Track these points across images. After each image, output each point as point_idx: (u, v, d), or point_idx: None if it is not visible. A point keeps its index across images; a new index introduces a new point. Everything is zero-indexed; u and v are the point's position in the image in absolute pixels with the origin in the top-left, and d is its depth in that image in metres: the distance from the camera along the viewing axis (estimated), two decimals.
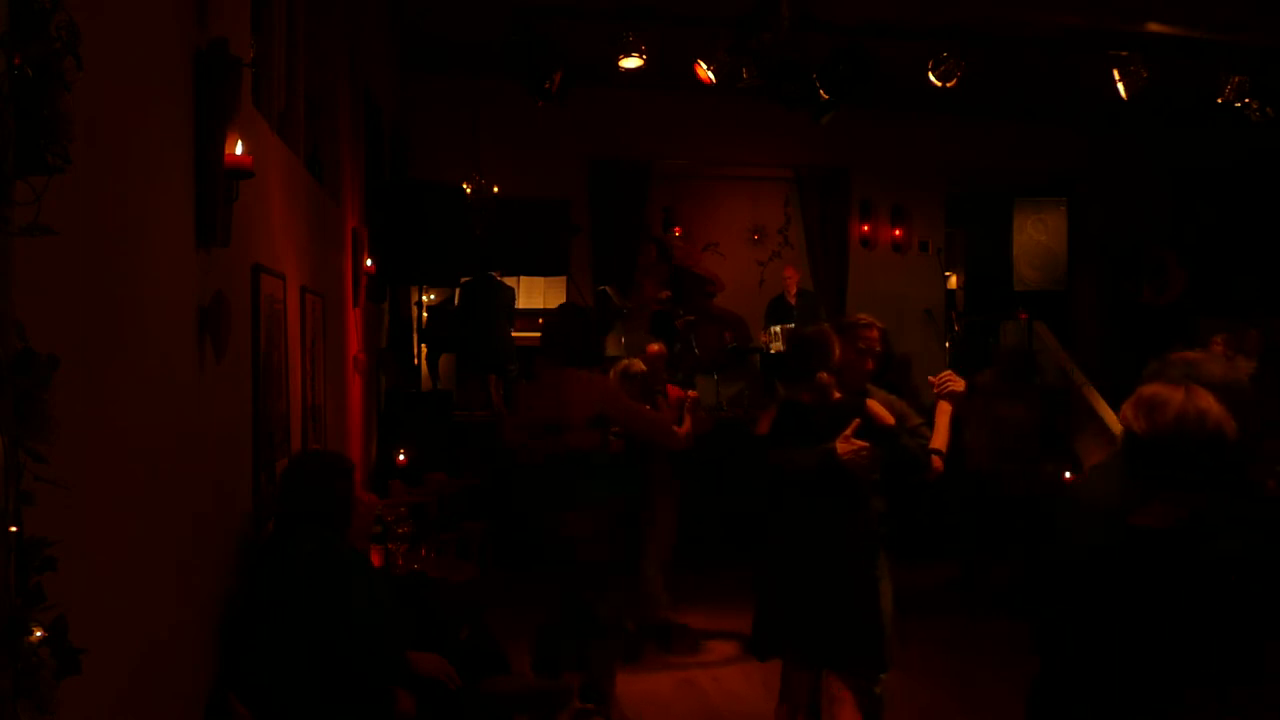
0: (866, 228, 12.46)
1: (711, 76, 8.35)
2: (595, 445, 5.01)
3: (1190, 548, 2.43)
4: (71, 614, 1.53)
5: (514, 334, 9.87)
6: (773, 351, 10.43)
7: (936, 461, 4.04)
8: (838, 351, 4.10)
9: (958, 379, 4.14)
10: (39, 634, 1.46)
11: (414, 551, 4.95)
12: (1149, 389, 2.56)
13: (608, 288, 10.52)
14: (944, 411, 4.10)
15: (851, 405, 4.03)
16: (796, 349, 4.21)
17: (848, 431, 3.89)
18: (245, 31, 3.65)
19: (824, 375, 4.04)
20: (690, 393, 6.31)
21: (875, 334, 4.26)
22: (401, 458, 7.52)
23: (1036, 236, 14.08)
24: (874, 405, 4.07)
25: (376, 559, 4.45)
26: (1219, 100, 8.81)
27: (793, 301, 11.20)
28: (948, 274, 14.05)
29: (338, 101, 6.01)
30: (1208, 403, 2.47)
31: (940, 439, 4.07)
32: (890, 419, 4.06)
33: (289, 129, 4.78)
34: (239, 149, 2.98)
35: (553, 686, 4.43)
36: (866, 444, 3.89)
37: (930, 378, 4.19)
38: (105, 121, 2.07)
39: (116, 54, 2.17)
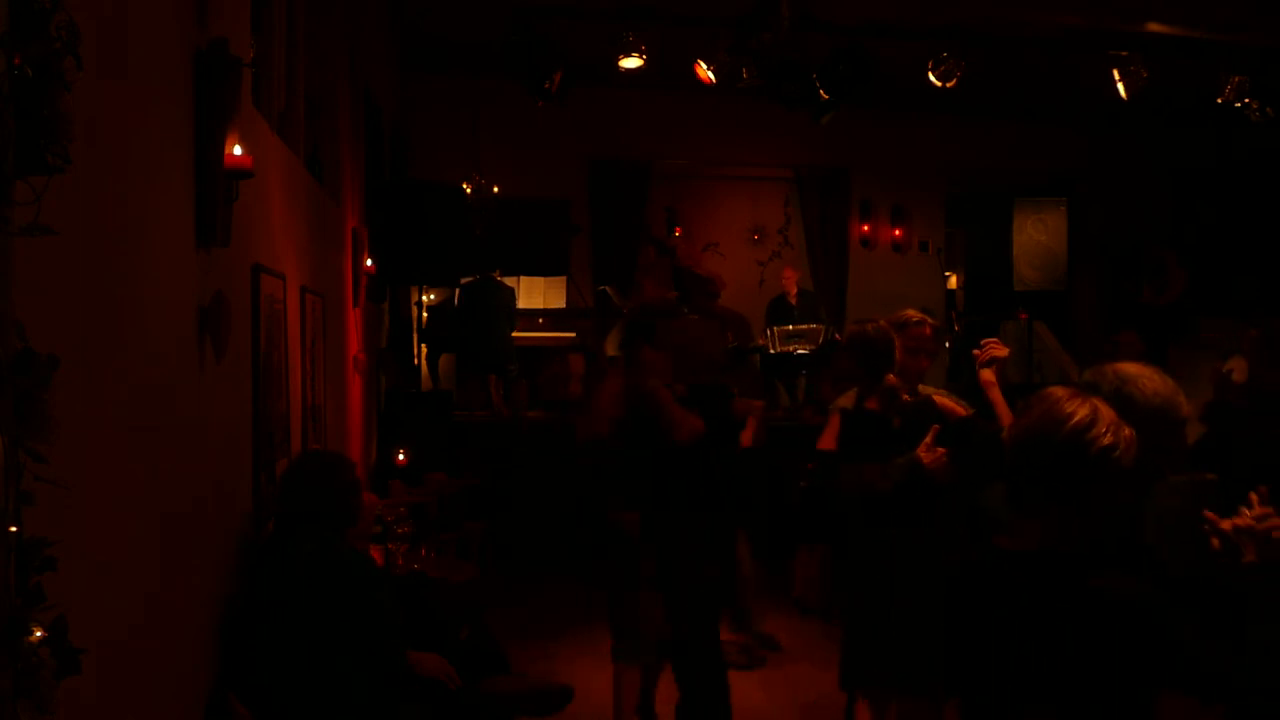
0: (866, 228, 12.46)
1: (711, 76, 8.35)
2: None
3: (1050, 574, 2.08)
4: (71, 614, 1.53)
5: (514, 334, 9.87)
6: (772, 352, 10.43)
7: None
8: (899, 352, 3.86)
9: (1001, 345, 3.73)
10: (39, 634, 1.46)
11: (414, 551, 4.95)
12: (1041, 391, 2.23)
13: (608, 288, 10.53)
14: (992, 385, 3.66)
15: (923, 407, 3.78)
16: (859, 352, 3.89)
17: (928, 439, 3.65)
18: (245, 31, 3.65)
19: (891, 378, 3.78)
20: (756, 403, 5.90)
21: (929, 331, 4.07)
22: (401, 458, 7.51)
23: (1036, 236, 14.08)
24: (944, 400, 3.83)
25: (376, 559, 4.45)
26: (1219, 100, 8.81)
27: (793, 302, 11.20)
28: (948, 274, 14.05)
29: (338, 101, 6.01)
30: (1080, 410, 2.08)
31: (1006, 417, 3.64)
32: (964, 410, 3.80)
33: (289, 129, 4.78)
34: (239, 149, 2.98)
35: (553, 686, 4.43)
36: (946, 449, 3.65)
37: (974, 350, 3.80)
38: (105, 121, 2.07)
39: (116, 54, 2.17)
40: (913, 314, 4.09)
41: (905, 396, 3.80)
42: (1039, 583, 2.08)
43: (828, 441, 3.93)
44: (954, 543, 3.54)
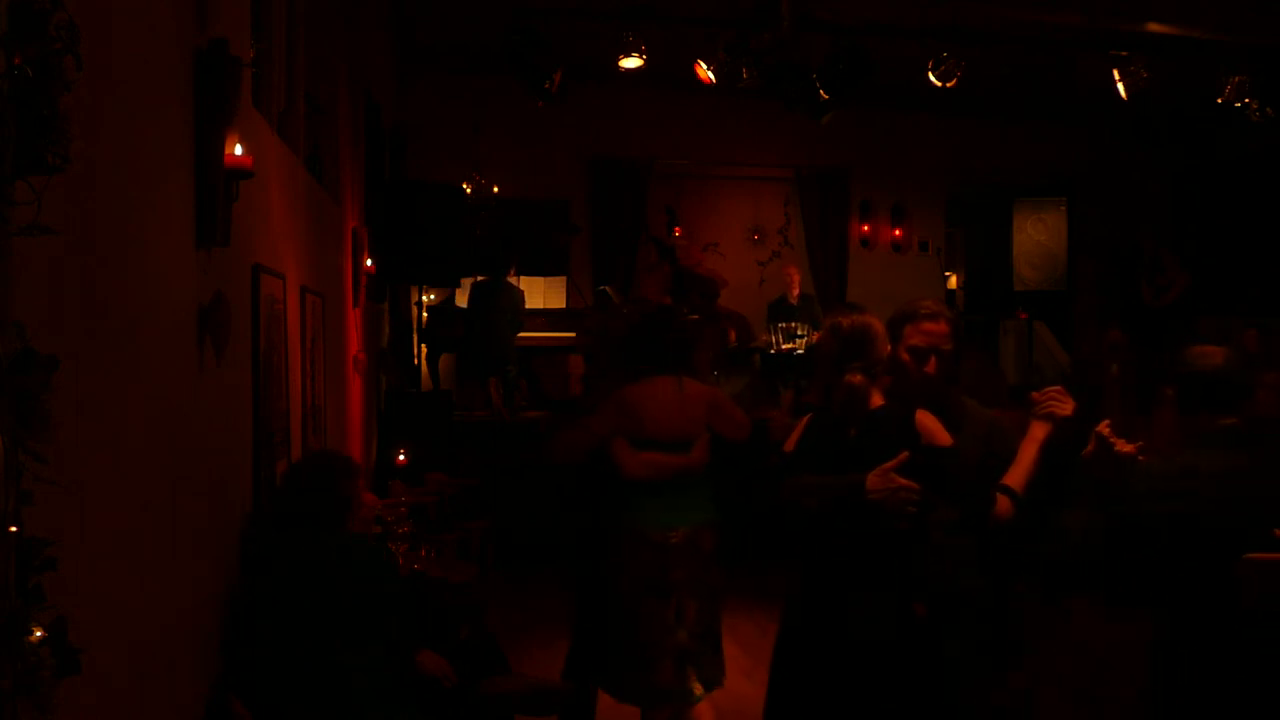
0: (866, 228, 12.46)
1: (711, 76, 8.35)
2: (704, 461, 4.39)
3: None
4: (71, 614, 1.53)
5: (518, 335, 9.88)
6: (772, 353, 10.42)
7: (1003, 502, 3.04)
8: (886, 348, 3.16)
9: (1065, 399, 3.12)
10: (39, 634, 1.46)
11: (414, 551, 4.95)
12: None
13: (608, 288, 10.53)
14: (1033, 440, 3.10)
15: (892, 416, 3.06)
16: (829, 345, 3.19)
17: (889, 465, 2.92)
18: (245, 32, 3.65)
19: (855, 376, 3.04)
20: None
21: (943, 326, 3.21)
22: (401, 458, 7.51)
23: (1036, 236, 14.10)
24: (925, 418, 3.04)
25: None
26: (1219, 100, 8.81)
27: (794, 302, 11.16)
28: (948, 274, 14.07)
29: (338, 101, 6.01)
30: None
31: (1018, 475, 3.06)
32: (948, 439, 3.02)
33: (289, 129, 4.78)
34: (239, 149, 2.98)
35: (552, 686, 4.43)
36: (912, 485, 2.91)
37: (1034, 394, 3.20)
38: (105, 121, 2.07)
39: (116, 54, 2.17)
40: (925, 304, 3.29)
41: (877, 401, 3.09)
42: None
43: (790, 444, 3.27)
44: (909, 604, 2.99)
